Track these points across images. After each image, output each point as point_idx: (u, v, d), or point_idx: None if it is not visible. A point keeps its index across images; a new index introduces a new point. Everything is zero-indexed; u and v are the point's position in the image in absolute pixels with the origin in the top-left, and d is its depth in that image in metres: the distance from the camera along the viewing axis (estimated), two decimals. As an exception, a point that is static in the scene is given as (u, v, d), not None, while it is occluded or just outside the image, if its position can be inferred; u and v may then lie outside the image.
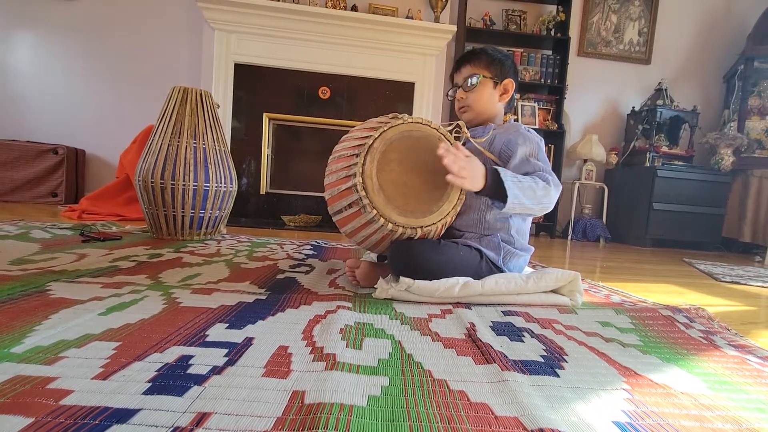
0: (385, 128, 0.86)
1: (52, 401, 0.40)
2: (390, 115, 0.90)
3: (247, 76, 2.77)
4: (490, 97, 1.04)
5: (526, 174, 0.92)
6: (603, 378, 0.55)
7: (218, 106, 1.70)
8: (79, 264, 1.01)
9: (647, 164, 3.07)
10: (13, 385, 0.42)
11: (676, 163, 3.11)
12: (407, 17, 2.84)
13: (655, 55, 3.45)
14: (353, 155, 0.86)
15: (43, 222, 1.75)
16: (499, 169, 0.86)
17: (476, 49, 1.06)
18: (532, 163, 0.94)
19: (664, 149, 3.18)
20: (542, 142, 1.00)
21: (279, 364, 0.52)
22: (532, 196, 0.87)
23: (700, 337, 0.77)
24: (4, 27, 2.86)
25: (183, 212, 1.54)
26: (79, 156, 2.90)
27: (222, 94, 2.73)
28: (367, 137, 0.86)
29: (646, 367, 0.60)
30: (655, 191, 2.93)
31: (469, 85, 1.03)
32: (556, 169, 3.14)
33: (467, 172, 0.82)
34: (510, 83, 1.05)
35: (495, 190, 0.86)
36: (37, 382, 0.43)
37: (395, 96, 2.91)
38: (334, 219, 0.93)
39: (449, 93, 1.10)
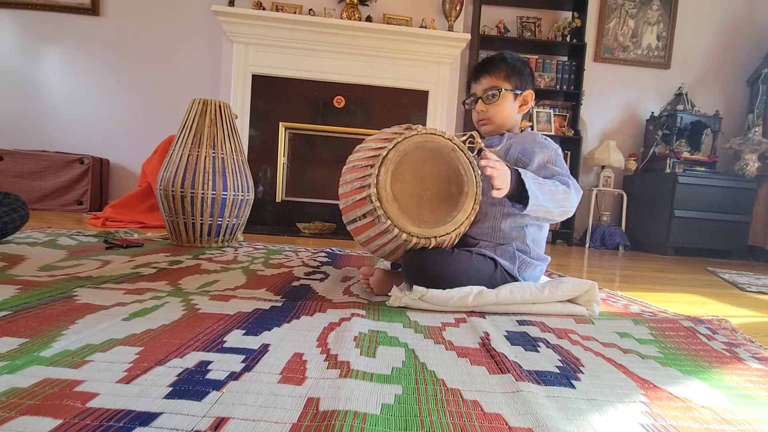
0: (399, 139, 0.87)
1: (79, 404, 0.41)
2: (404, 126, 0.91)
3: (264, 87, 2.84)
4: (510, 110, 1.03)
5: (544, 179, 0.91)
6: (620, 390, 0.54)
7: (236, 117, 1.74)
8: (103, 270, 1.05)
9: (668, 170, 3.00)
10: (43, 387, 0.44)
11: (698, 169, 3.03)
12: (421, 26, 2.87)
13: (675, 60, 3.39)
14: (367, 166, 0.87)
15: (69, 229, 1.82)
16: (521, 170, 0.86)
17: (495, 57, 1.04)
18: (549, 169, 0.94)
19: (686, 155, 3.10)
20: (559, 150, 1.00)
21: (294, 371, 0.53)
22: (552, 198, 0.86)
23: (723, 349, 0.74)
24: (36, 44, 3.00)
25: (202, 220, 1.58)
26: (104, 165, 3.01)
27: (240, 104, 2.80)
28: (381, 148, 0.87)
29: (666, 379, 0.59)
30: (676, 198, 2.85)
31: (489, 97, 1.02)
32: (573, 175, 3.06)
33: (500, 179, 0.81)
34: (530, 95, 1.04)
35: (516, 193, 0.85)
36: (64, 385, 0.45)
37: (409, 104, 2.93)
38: (349, 228, 0.94)
39: (466, 103, 1.08)
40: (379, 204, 0.84)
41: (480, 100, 1.04)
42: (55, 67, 3.03)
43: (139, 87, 3.06)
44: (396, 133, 0.90)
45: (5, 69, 3.00)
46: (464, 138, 0.93)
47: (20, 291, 0.81)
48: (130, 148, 3.04)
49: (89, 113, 3.05)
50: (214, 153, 1.59)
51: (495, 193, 0.82)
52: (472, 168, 0.90)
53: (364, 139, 0.99)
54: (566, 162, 3.16)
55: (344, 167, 0.96)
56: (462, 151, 0.90)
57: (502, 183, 0.81)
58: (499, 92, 1.01)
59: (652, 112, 3.28)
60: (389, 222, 0.84)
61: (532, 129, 3.11)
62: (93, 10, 2.98)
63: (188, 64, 3.06)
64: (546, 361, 0.63)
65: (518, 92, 1.03)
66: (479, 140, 0.94)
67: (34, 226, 1.86)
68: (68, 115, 3.04)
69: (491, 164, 0.80)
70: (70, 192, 2.83)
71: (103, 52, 3.03)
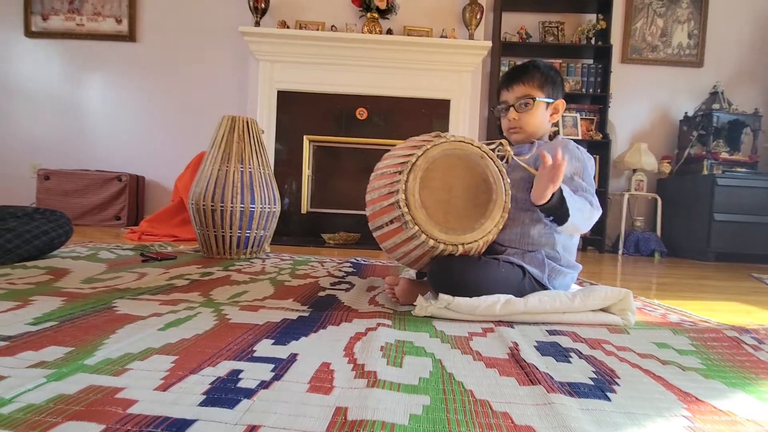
0: (429, 146, 0.87)
1: (120, 410, 0.43)
2: (433, 134, 0.92)
3: (289, 102, 2.92)
4: (542, 119, 1.02)
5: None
6: (660, 403, 0.52)
7: (263, 132, 1.80)
8: (140, 282, 1.10)
9: (705, 172, 2.86)
10: (87, 394, 0.47)
11: (739, 170, 2.87)
12: (441, 36, 2.88)
13: (708, 58, 3.25)
14: (396, 172, 0.88)
15: (109, 243, 1.92)
16: (563, 186, 0.85)
17: (528, 65, 1.03)
18: (575, 182, 0.92)
19: (724, 155, 2.95)
20: (591, 162, 0.97)
21: (322, 380, 0.53)
22: (579, 216, 0.87)
23: (774, 361, 0.70)
24: (80, 70, 3.22)
25: (231, 232, 1.63)
26: (140, 182, 3.16)
27: (266, 119, 2.89)
28: (410, 155, 0.88)
29: (709, 392, 0.56)
30: (715, 201, 2.71)
31: (522, 106, 1.00)
32: (603, 180, 3.00)
33: (556, 179, 0.81)
34: (561, 104, 1.03)
35: (556, 207, 0.85)
36: (107, 392, 0.47)
37: (431, 113, 2.94)
38: (375, 234, 0.94)
39: (497, 109, 1.07)
40: (407, 210, 0.84)
41: (512, 108, 1.02)
42: (96, 91, 3.23)
43: (172, 107, 3.22)
44: (425, 140, 0.90)
45: (52, 95, 3.22)
46: (493, 146, 0.93)
47: (65, 302, 0.86)
48: (164, 165, 3.19)
49: (127, 133, 3.23)
50: (242, 167, 1.64)
51: (535, 195, 0.83)
52: (501, 176, 0.89)
53: (387, 149, 1.00)
54: (596, 166, 3.07)
55: (372, 174, 0.97)
56: (491, 159, 0.89)
57: (554, 185, 0.81)
58: (533, 101, 0.99)
59: (686, 113, 3.15)
60: (416, 228, 0.84)
61: (558, 133, 3.07)
62: (130, 36, 3.18)
63: (217, 83, 3.19)
64: (579, 372, 0.61)
65: (550, 101, 1.01)
66: (508, 148, 0.94)
67: (77, 240, 1.97)
68: (108, 135, 3.23)
69: (556, 164, 0.80)
70: (109, 208, 2.98)
71: (139, 76, 3.21)
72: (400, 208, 0.85)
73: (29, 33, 3.18)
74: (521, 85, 1.01)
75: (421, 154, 0.87)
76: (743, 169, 2.89)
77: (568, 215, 0.83)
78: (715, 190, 2.71)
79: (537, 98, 0.99)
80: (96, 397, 0.46)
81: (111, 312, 0.80)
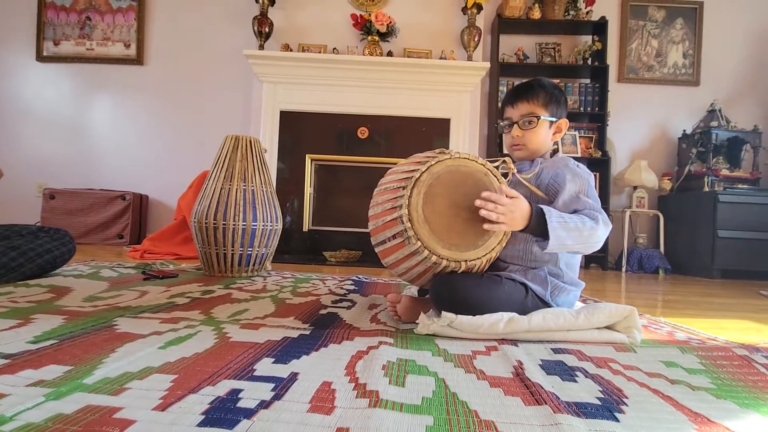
0: (433, 162, 0.88)
1: (117, 430, 0.42)
2: (437, 150, 0.93)
3: (292, 122, 2.97)
4: (545, 137, 1.02)
5: (575, 211, 0.90)
6: (670, 424, 0.50)
7: (265, 151, 1.82)
8: (141, 300, 1.09)
9: (706, 189, 2.86)
10: (85, 413, 0.46)
11: (740, 186, 2.88)
12: (441, 57, 2.95)
13: (704, 76, 3.31)
14: (400, 188, 0.88)
15: (111, 262, 1.92)
16: (545, 208, 0.85)
17: (533, 83, 1.03)
18: (582, 201, 0.91)
19: (725, 172, 2.96)
20: (592, 178, 0.97)
21: (323, 400, 0.52)
22: (577, 236, 0.85)
23: (785, 380, 0.68)
24: (89, 92, 3.29)
25: (233, 250, 1.63)
26: (143, 201, 3.19)
27: (269, 139, 2.93)
28: (414, 170, 0.88)
29: (721, 413, 0.54)
30: (718, 217, 2.70)
31: (526, 123, 1.01)
32: (603, 197, 3.01)
33: (506, 218, 0.83)
34: (564, 123, 1.04)
35: (539, 229, 0.85)
36: (104, 412, 0.46)
37: (432, 132, 2.98)
38: (377, 250, 0.94)
39: (500, 125, 1.07)
40: (410, 225, 0.84)
41: (516, 125, 1.03)
42: (103, 112, 3.30)
43: (176, 127, 3.27)
44: (429, 156, 0.91)
45: (61, 116, 3.29)
46: (497, 163, 0.93)
47: (66, 321, 0.85)
48: (167, 184, 3.22)
49: (132, 153, 3.28)
50: (245, 186, 1.66)
51: (488, 226, 0.84)
52: None
53: (388, 168, 1.01)
54: (596, 183, 3.08)
55: (376, 190, 0.97)
56: (495, 176, 0.90)
57: (511, 222, 0.84)
58: (537, 119, 1.00)
59: (684, 130, 3.18)
60: (419, 243, 0.84)
61: (557, 151, 3.09)
62: (138, 60, 3.26)
63: (221, 104, 3.26)
64: (585, 392, 0.59)
65: (554, 120, 1.02)
66: (512, 165, 0.94)
67: (80, 259, 1.97)
68: (113, 155, 3.28)
69: (499, 207, 0.82)
70: (112, 226, 3.00)
71: (145, 97, 3.28)
72: (403, 223, 0.85)
73: (41, 58, 3.27)
74: (526, 103, 1.01)
75: (425, 170, 0.87)
76: (745, 186, 2.89)
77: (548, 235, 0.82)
78: (717, 206, 2.71)
79: (541, 117, 1.00)
80: (93, 417, 0.45)
81: (111, 330, 0.79)
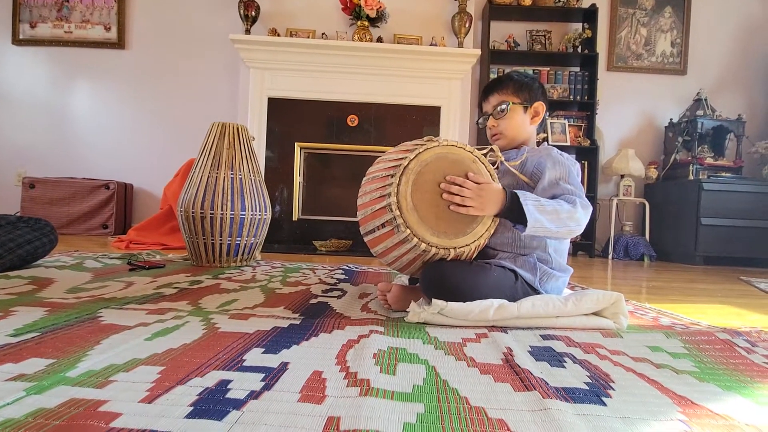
0: (421, 150, 0.87)
1: (102, 424, 0.42)
2: (425, 138, 0.92)
3: (280, 109, 2.91)
4: (521, 122, 1.04)
5: (554, 197, 0.91)
6: (655, 407, 0.51)
7: (253, 139, 1.79)
8: (126, 291, 1.07)
9: (691, 177, 2.91)
10: (68, 407, 0.45)
11: (724, 174, 2.93)
12: (431, 44, 2.91)
13: (691, 65, 3.34)
14: (388, 176, 0.87)
15: (95, 252, 1.88)
16: (519, 192, 0.86)
17: (502, 76, 1.08)
18: (561, 186, 0.93)
19: (709, 161, 3.01)
20: (576, 166, 0.98)
21: (314, 389, 0.52)
22: (555, 219, 0.86)
23: (764, 362, 0.70)
24: (68, 78, 3.18)
25: (221, 240, 1.60)
26: (128, 190, 3.12)
27: (257, 126, 2.88)
28: (402, 158, 0.88)
29: (704, 395, 0.56)
30: (702, 205, 2.76)
31: (499, 112, 1.04)
32: (591, 185, 3.04)
33: (473, 201, 0.85)
34: (540, 106, 1.05)
35: (515, 214, 0.86)
36: (89, 405, 0.45)
37: (422, 120, 2.96)
38: (366, 239, 0.93)
39: (479, 121, 1.11)
40: (399, 213, 0.84)
41: (491, 117, 1.06)
42: (84, 98, 3.19)
43: (161, 114, 3.19)
44: (417, 144, 0.90)
45: (39, 102, 3.17)
46: (485, 151, 0.94)
47: (48, 313, 0.83)
48: (152, 173, 3.15)
49: (115, 140, 3.19)
50: (232, 174, 1.63)
51: (454, 208, 0.86)
52: (493, 180, 0.90)
53: (378, 156, 1.00)
54: (583, 172, 3.11)
55: (364, 179, 0.96)
56: (483, 163, 0.90)
57: (480, 206, 0.85)
58: (508, 105, 1.03)
59: (671, 119, 3.21)
60: (408, 231, 0.84)
61: (547, 140, 3.10)
62: (119, 44, 3.15)
63: (207, 90, 3.18)
64: (573, 377, 0.60)
65: (527, 104, 1.04)
66: (499, 154, 0.95)
67: (62, 250, 1.92)
68: (95, 142, 3.19)
69: (465, 191, 0.85)
70: (96, 216, 2.93)
71: (128, 83, 3.18)
72: (392, 211, 0.84)
73: (17, 41, 3.13)
74: (496, 94, 1.06)
75: (413, 158, 0.87)
76: (728, 174, 2.95)
77: (526, 222, 0.84)
78: (701, 194, 2.76)
79: (512, 102, 1.03)
80: (78, 410, 0.44)
81: (96, 322, 0.78)
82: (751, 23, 3.34)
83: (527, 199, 0.85)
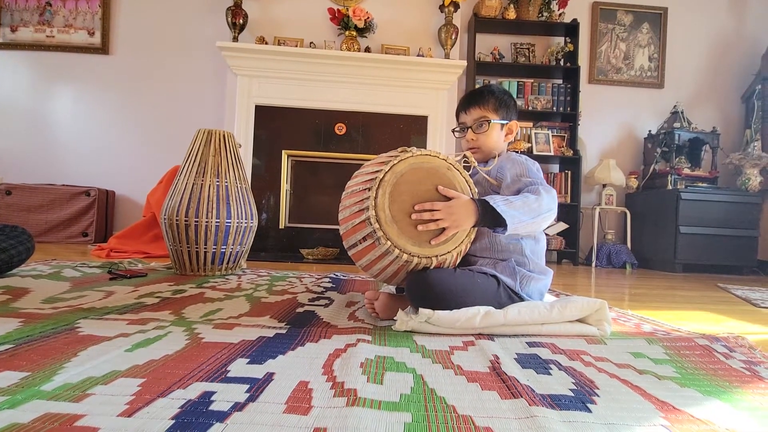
0: (395, 161, 0.88)
1: (79, 439, 0.40)
2: (399, 149, 0.93)
3: (267, 117, 2.90)
4: (497, 138, 1.09)
5: (518, 191, 0.95)
6: (639, 413, 0.52)
7: (240, 146, 1.77)
8: (106, 301, 1.04)
9: (670, 187, 3.00)
10: (43, 422, 0.43)
11: (700, 185, 3.03)
12: (418, 55, 2.95)
13: (668, 79, 3.46)
14: (365, 189, 0.88)
15: (74, 261, 1.82)
16: (488, 198, 0.88)
17: (483, 90, 1.10)
18: (522, 180, 0.97)
19: (686, 171, 3.11)
20: (536, 165, 1.03)
21: (300, 400, 0.51)
22: (527, 210, 0.89)
23: (742, 368, 0.72)
24: (48, 83, 3.11)
25: (206, 248, 1.58)
26: (110, 197, 3.04)
27: (243, 134, 2.86)
28: (377, 171, 0.88)
29: (685, 401, 0.57)
30: (680, 214, 2.84)
31: (478, 127, 1.07)
32: (575, 194, 3.11)
33: (448, 221, 0.86)
34: (515, 125, 1.11)
35: (491, 219, 0.88)
36: (65, 420, 0.44)
37: (409, 129, 2.99)
38: (350, 253, 0.94)
39: (456, 131, 1.13)
40: (378, 226, 0.84)
41: (470, 129, 1.09)
42: (65, 103, 3.12)
43: (146, 120, 3.14)
44: (391, 156, 0.91)
45: (18, 107, 3.09)
46: (459, 158, 0.96)
47: (23, 324, 0.80)
48: (135, 180, 3.09)
49: (97, 146, 3.12)
50: (218, 182, 1.61)
51: (433, 225, 0.87)
52: (469, 186, 0.92)
53: (362, 165, 1.00)
54: (567, 182, 3.18)
55: (343, 193, 0.97)
56: (458, 170, 0.91)
57: (455, 223, 0.86)
58: (488, 123, 1.06)
59: (650, 131, 3.32)
60: (389, 243, 0.84)
61: (531, 150, 3.16)
62: (103, 49, 3.10)
63: (193, 97, 3.15)
64: (559, 384, 0.61)
65: (504, 122, 1.09)
66: (473, 159, 0.99)
67: (39, 258, 1.86)
68: (76, 149, 3.11)
69: (436, 213, 0.86)
70: (75, 224, 2.85)
71: (111, 89, 3.13)
72: (371, 224, 0.85)
73: (-6, 44, 3.06)
74: (477, 108, 1.08)
75: (388, 170, 0.87)
76: (704, 184, 3.05)
77: (505, 222, 0.86)
78: (679, 204, 2.84)
79: (492, 120, 1.06)
80: (53, 425, 0.42)
81: (73, 333, 0.75)
82: (725, 39, 3.49)
83: (497, 201, 0.87)
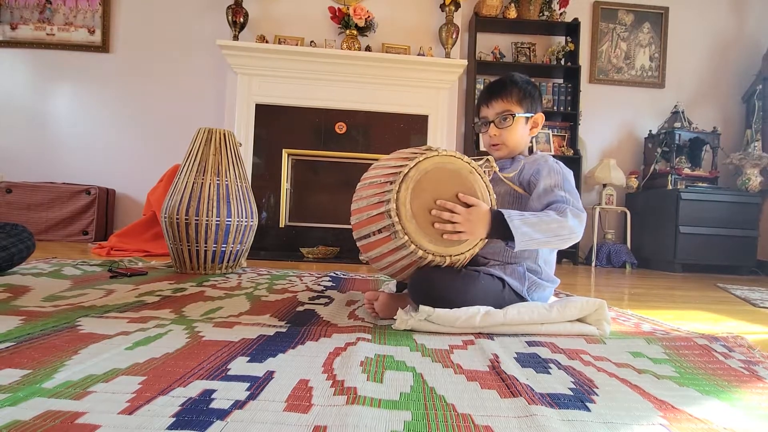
0: (421, 158, 0.88)
1: (80, 436, 0.40)
2: (423, 147, 0.93)
3: (268, 115, 2.90)
4: (522, 133, 1.02)
5: (549, 203, 0.91)
6: (638, 412, 0.52)
7: (240, 145, 1.77)
8: (107, 299, 1.04)
9: (670, 187, 3.00)
10: (44, 420, 0.43)
11: (701, 184, 3.03)
12: (419, 54, 2.95)
13: (669, 79, 3.46)
14: (387, 182, 0.88)
15: (74, 259, 1.82)
16: (504, 211, 0.86)
17: (506, 80, 1.03)
18: (555, 193, 0.92)
19: (687, 171, 3.11)
20: (570, 175, 0.98)
21: (300, 399, 0.51)
22: (544, 229, 0.85)
23: (741, 367, 0.72)
24: (48, 81, 3.11)
25: (206, 247, 1.58)
26: (110, 195, 3.05)
27: (244, 133, 2.86)
28: (402, 166, 0.88)
29: (684, 400, 0.57)
30: (680, 214, 2.84)
31: (502, 121, 1.00)
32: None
33: (464, 227, 0.85)
34: (540, 117, 1.04)
35: (503, 232, 0.85)
36: (66, 417, 0.44)
37: (409, 129, 2.99)
38: (360, 244, 0.93)
39: (477, 125, 1.07)
40: (398, 219, 0.84)
41: (492, 124, 1.02)
42: (66, 102, 3.12)
43: (146, 119, 3.14)
44: (416, 152, 0.91)
45: (18, 105, 3.09)
46: (480, 162, 0.94)
47: (24, 322, 0.80)
48: (136, 178, 3.09)
49: (97, 145, 3.12)
50: (218, 180, 1.61)
51: (447, 237, 0.86)
52: (489, 191, 0.91)
53: (366, 164, 1.00)
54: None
55: (359, 184, 0.96)
56: (479, 174, 0.90)
57: (471, 231, 0.85)
58: (513, 117, 1.00)
59: (650, 130, 3.31)
60: (406, 238, 0.85)
61: (532, 149, 3.15)
62: (103, 47, 3.10)
63: (193, 95, 3.14)
64: (558, 383, 0.61)
65: (530, 115, 1.02)
66: (494, 164, 0.95)
67: (40, 256, 1.86)
68: (77, 147, 3.11)
69: (455, 216, 0.84)
70: (76, 222, 2.85)
71: (112, 87, 3.13)
72: (390, 217, 0.85)
73: (-5, 41, 3.06)
74: (500, 101, 1.01)
75: (414, 166, 0.87)
76: (704, 184, 3.05)
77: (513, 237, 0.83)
78: (679, 204, 2.84)
79: (516, 114, 1.00)
80: (54, 423, 0.43)
81: (74, 331, 0.75)
82: (726, 40, 3.49)
83: (512, 216, 0.85)
